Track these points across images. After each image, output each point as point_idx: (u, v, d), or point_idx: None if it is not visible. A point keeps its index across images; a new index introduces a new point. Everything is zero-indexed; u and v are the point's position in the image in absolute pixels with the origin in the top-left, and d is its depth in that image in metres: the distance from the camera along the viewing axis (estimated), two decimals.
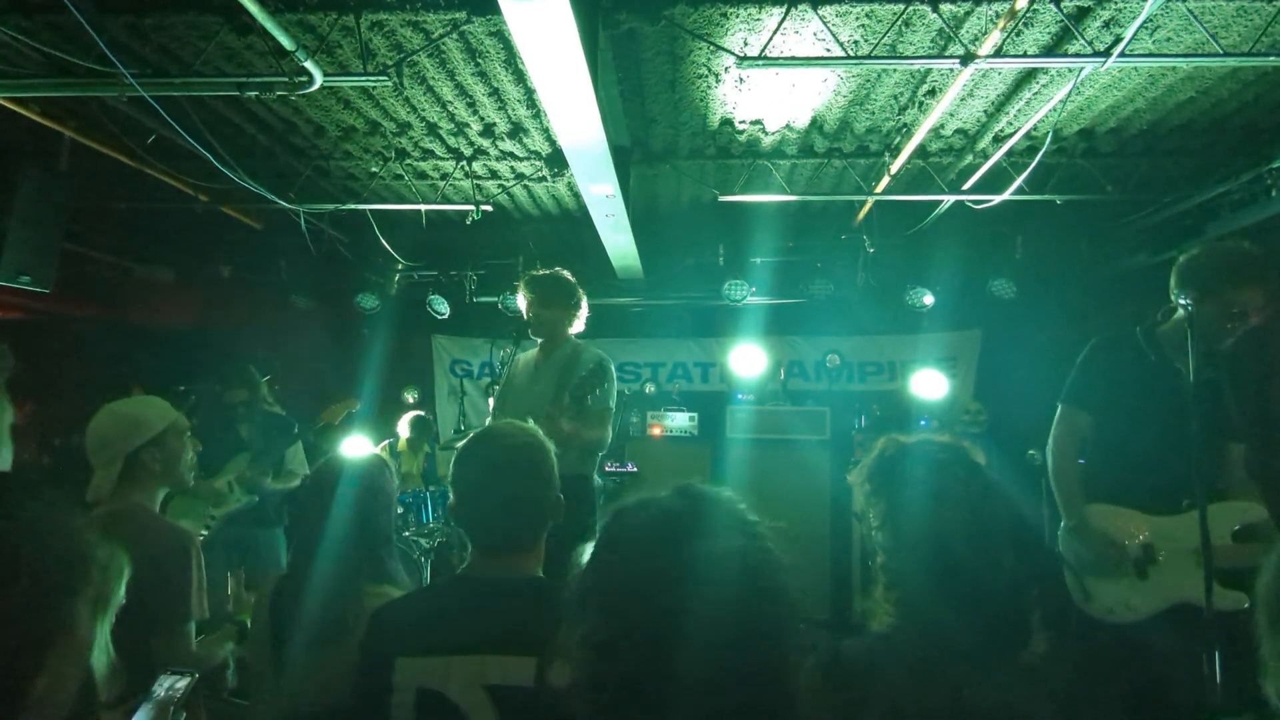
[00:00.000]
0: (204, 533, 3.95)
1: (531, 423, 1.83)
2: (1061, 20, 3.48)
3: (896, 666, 1.23)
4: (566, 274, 3.58)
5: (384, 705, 1.49)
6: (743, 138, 5.02)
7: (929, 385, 6.74)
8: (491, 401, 3.52)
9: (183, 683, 1.53)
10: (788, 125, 4.81)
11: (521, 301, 3.56)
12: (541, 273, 3.58)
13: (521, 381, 3.51)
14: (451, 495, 1.69)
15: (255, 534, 4.22)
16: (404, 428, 6.44)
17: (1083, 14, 3.48)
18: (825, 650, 1.27)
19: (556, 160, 5.13)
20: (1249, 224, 4.96)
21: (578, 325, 3.58)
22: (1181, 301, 2.40)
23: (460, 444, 1.77)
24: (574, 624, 0.98)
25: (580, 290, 3.58)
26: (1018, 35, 3.63)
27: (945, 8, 3.43)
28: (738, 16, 3.54)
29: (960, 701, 1.16)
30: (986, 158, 4.93)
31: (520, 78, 4.11)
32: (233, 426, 4.32)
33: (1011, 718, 1.18)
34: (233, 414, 4.33)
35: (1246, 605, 1.97)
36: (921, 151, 5.01)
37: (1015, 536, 1.29)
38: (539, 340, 3.58)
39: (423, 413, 6.76)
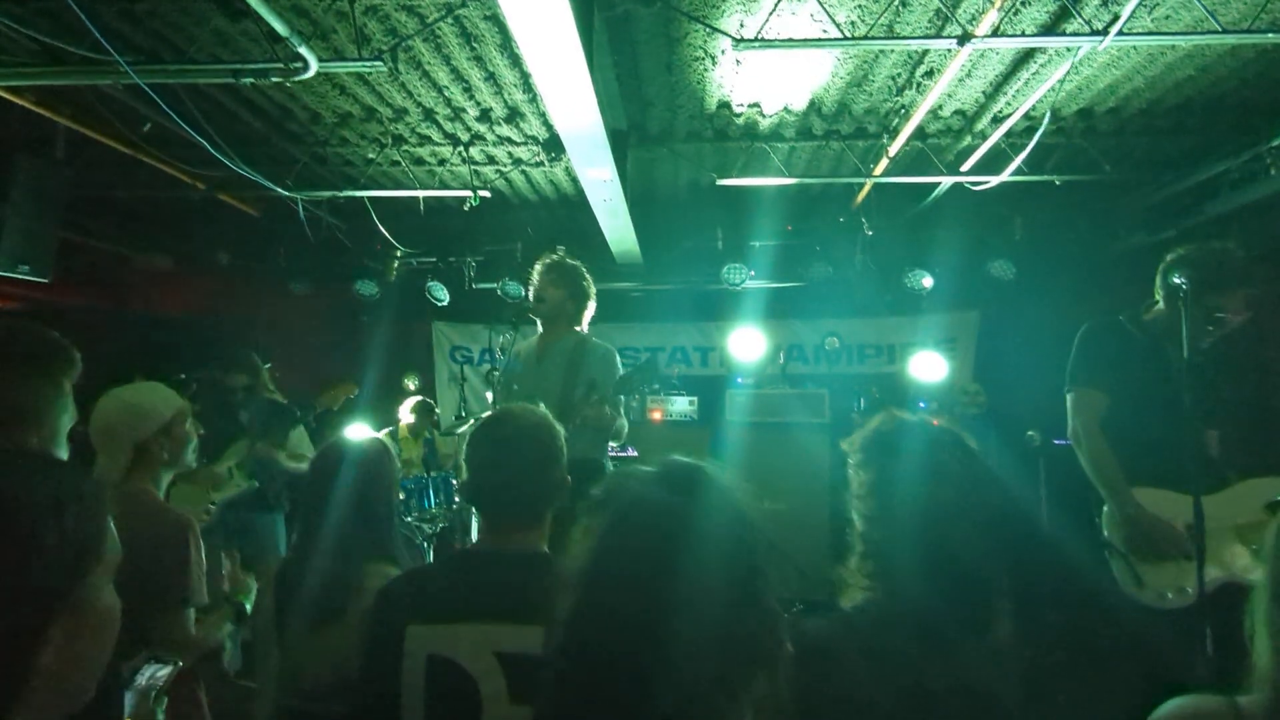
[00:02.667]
0: (205, 517, 4.00)
1: (543, 407, 1.85)
2: None
3: (855, 649, 1.23)
4: (584, 268, 3.62)
5: (394, 674, 1.52)
6: (740, 120, 5.00)
7: (928, 367, 6.75)
8: (490, 395, 3.56)
9: (164, 671, 1.57)
10: (785, 108, 4.79)
11: (534, 278, 3.61)
12: (563, 258, 3.62)
13: (526, 370, 3.53)
14: (464, 471, 1.75)
15: (254, 519, 4.26)
16: (406, 414, 6.46)
17: None
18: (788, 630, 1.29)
19: (553, 145, 5.11)
20: (1248, 202, 4.95)
21: (583, 320, 3.60)
22: (1179, 283, 2.40)
23: (467, 427, 1.82)
24: (561, 598, 0.99)
25: (590, 285, 3.61)
26: (1015, 14, 3.61)
27: None
28: None
29: (919, 683, 1.17)
30: (985, 139, 4.91)
31: (516, 62, 4.09)
32: (233, 412, 4.34)
33: (972, 699, 1.18)
34: (233, 400, 4.35)
35: None
36: (920, 133, 5.00)
37: (1001, 525, 1.30)
38: (539, 326, 3.59)
39: (424, 397, 6.77)
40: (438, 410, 6.76)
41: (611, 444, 3.57)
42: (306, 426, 4.75)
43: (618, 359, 3.51)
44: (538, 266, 3.61)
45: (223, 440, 4.15)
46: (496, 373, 3.74)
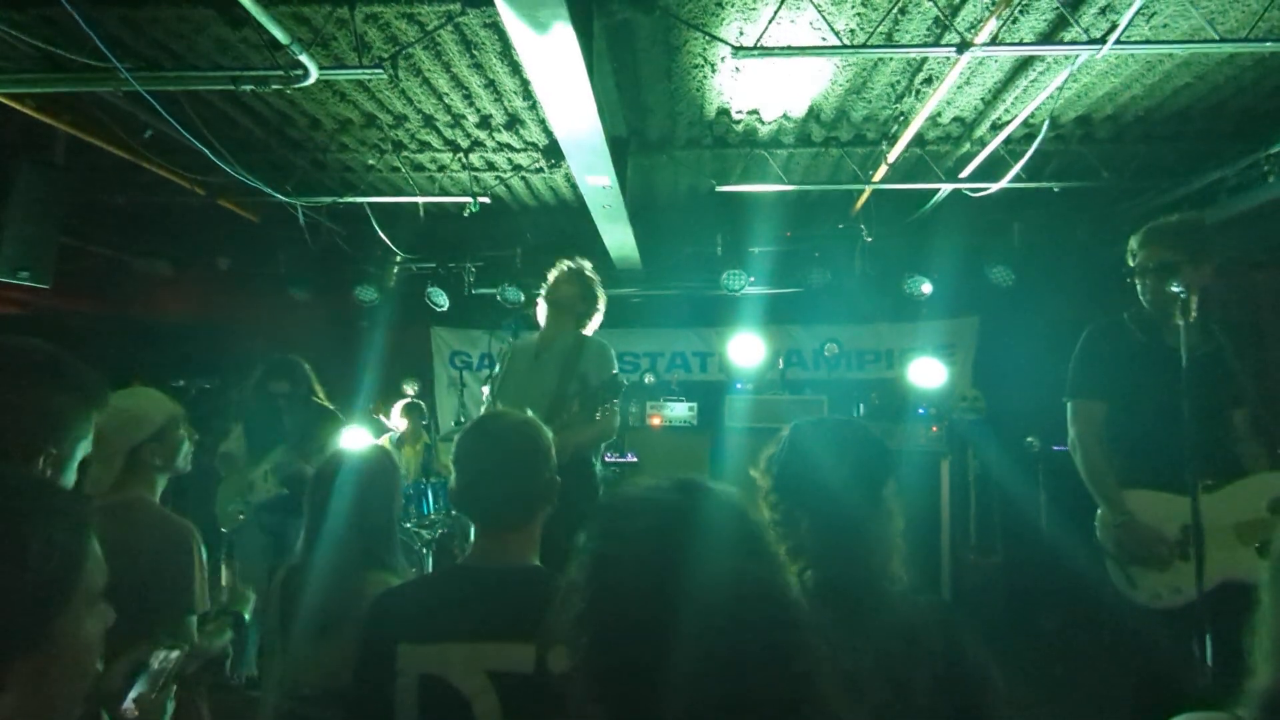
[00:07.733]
0: (239, 519, 4.13)
1: (530, 413, 1.85)
2: (1057, 7, 3.47)
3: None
4: (600, 282, 3.69)
5: (387, 690, 1.52)
6: (739, 127, 5.01)
7: (927, 373, 6.74)
8: (486, 390, 3.55)
9: (174, 654, 1.62)
10: (784, 115, 4.80)
11: (551, 275, 3.62)
12: (583, 268, 3.65)
13: (521, 371, 3.52)
14: (452, 476, 1.74)
15: (288, 523, 4.28)
16: (398, 419, 6.45)
17: (1078, 0, 3.47)
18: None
19: (553, 151, 5.12)
20: (1246, 209, 4.95)
21: (589, 326, 3.61)
22: (1174, 289, 2.40)
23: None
24: (566, 612, 0.99)
25: (603, 295, 3.65)
26: (1014, 23, 3.63)
27: None
28: (733, 6, 3.53)
29: (843, 658, 1.23)
30: (984, 145, 4.92)
31: (516, 69, 4.10)
32: (278, 417, 4.36)
33: (890, 667, 1.28)
34: (276, 405, 4.37)
35: None
36: (919, 140, 5.01)
37: (867, 489, 1.47)
38: (541, 323, 3.58)
39: (413, 399, 6.75)
40: (428, 412, 6.75)
41: (604, 444, 3.58)
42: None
43: (612, 354, 3.48)
44: (559, 266, 3.62)
45: (267, 445, 4.24)
46: (493, 378, 3.74)
